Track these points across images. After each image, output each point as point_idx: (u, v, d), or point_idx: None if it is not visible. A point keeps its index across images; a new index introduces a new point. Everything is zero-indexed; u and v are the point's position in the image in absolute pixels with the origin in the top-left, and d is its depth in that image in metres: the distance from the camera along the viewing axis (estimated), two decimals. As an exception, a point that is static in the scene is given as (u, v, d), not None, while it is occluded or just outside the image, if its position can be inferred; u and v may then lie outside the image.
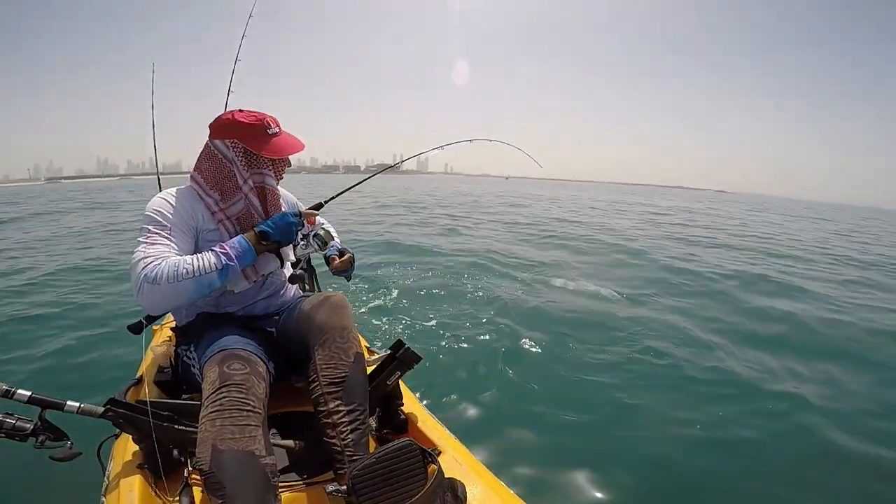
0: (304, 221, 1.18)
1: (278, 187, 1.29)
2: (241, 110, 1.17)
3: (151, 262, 0.98)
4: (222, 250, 1.03)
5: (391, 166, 2.08)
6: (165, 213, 1.08)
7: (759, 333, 3.52)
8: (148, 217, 1.07)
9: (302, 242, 1.19)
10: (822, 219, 23.56)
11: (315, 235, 1.18)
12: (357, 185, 1.66)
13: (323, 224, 1.36)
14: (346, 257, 1.37)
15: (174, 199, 1.12)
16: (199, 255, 1.02)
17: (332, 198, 1.41)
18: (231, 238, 1.12)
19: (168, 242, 1.03)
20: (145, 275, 0.96)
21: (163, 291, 0.96)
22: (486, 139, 2.07)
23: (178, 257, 1.01)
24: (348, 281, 1.49)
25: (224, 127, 1.14)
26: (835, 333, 3.62)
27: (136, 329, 1.25)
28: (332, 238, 1.21)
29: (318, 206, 1.28)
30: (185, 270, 0.97)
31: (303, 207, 1.51)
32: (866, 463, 1.98)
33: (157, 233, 1.04)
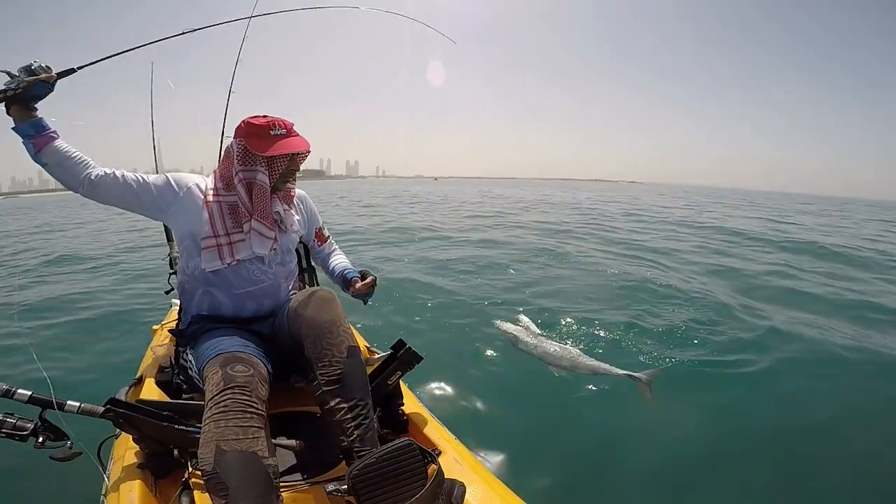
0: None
1: (296, 187, 1.35)
2: (263, 116, 1.22)
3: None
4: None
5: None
6: (162, 180, 1.23)
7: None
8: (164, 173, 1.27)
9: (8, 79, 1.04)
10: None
11: (22, 68, 1.04)
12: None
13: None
14: (368, 280, 1.33)
15: (183, 180, 1.25)
16: None
17: (89, 64, 1.24)
18: (211, 217, 1.20)
19: (124, 177, 1.19)
20: None
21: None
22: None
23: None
24: (365, 304, 1.40)
25: (239, 128, 1.22)
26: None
27: None
28: (47, 71, 1.06)
29: (70, 72, 1.17)
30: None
31: (317, 213, 1.50)
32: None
33: (139, 176, 1.22)
